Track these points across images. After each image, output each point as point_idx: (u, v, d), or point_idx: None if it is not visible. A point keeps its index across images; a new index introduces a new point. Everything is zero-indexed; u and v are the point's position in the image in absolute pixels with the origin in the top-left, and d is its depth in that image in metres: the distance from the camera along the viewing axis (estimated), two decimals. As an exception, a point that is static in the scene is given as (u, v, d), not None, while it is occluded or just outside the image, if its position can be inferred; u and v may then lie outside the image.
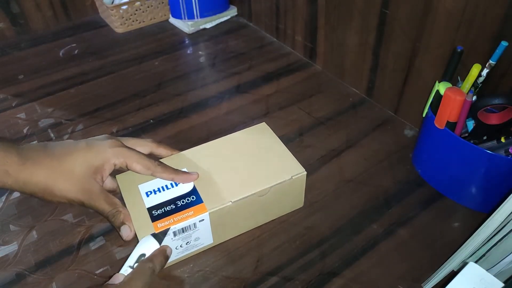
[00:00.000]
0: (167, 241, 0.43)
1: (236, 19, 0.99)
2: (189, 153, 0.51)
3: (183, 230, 0.44)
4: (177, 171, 0.47)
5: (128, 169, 0.46)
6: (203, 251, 0.49)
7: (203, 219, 0.44)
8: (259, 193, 0.46)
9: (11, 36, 0.94)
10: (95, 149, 0.43)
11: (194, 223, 0.44)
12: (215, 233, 0.47)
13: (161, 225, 0.43)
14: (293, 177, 0.47)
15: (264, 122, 0.55)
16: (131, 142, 0.47)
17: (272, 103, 0.73)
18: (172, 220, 0.43)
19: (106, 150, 0.43)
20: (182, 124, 0.69)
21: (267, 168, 0.48)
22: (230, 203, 0.45)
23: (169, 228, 0.43)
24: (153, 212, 0.44)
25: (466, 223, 0.52)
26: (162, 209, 0.44)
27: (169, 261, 0.46)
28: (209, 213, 0.44)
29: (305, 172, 0.48)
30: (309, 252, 0.49)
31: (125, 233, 0.43)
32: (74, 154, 0.42)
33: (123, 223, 0.43)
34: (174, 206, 0.45)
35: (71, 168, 0.41)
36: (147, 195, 0.46)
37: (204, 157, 0.50)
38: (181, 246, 0.46)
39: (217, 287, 0.46)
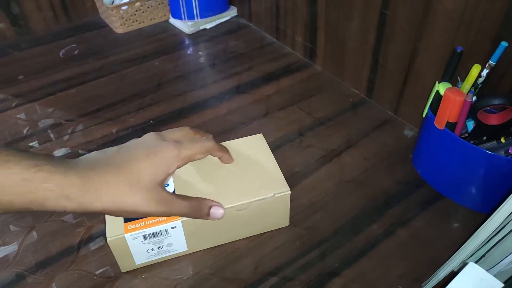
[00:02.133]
0: (137, 243, 0.44)
1: (236, 20, 0.99)
2: None
3: (154, 234, 0.44)
4: (225, 150, 0.48)
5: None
6: (202, 251, 0.49)
7: (175, 226, 0.44)
8: (237, 207, 0.45)
9: (12, 36, 0.94)
10: (158, 158, 0.39)
11: (165, 229, 0.44)
12: (189, 241, 0.47)
13: (131, 227, 0.43)
14: (276, 195, 0.46)
15: (261, 134, 0.53)
16: (175, 135, 0.44)
17: (272, 104, 0.73)
18: (143, 223, 0.43)
19: (168, 156, 0.40)
20: (182, 124, 0.68)
21: (251, 182, 0.47)
22: None
23: None
24: None
25: (466, 224, 0.52)
26: None
27: (140, 262, 0.47)
28: (181, 221, 0.44)
29: (289, 192, 0.46)
30: (309, 252, 0.49)
31: (217, 215, 0.43)
32: (138, 165, 0.38)
33: (209, 210, 0.43)
34: None
35: (137, 181, 0.38)
36: None
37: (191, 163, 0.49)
38: (152, 250, 0.46)
39: (217, 287, 0.46)
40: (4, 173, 0.31)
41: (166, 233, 0.44)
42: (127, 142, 0.41)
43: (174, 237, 0.45)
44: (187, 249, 0.48)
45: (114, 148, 0.39)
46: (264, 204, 0.46)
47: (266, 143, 0.52)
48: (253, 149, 0.51)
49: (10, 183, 0.31)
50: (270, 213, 0.48)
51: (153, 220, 0.43)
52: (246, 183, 0.47)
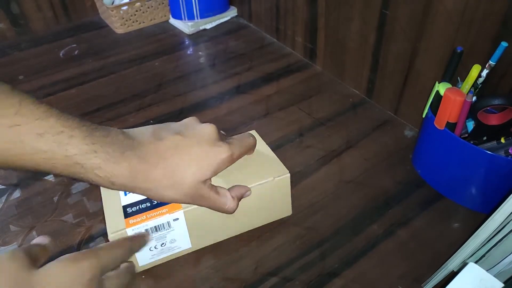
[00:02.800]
0: None
1: (236, 20, 0.99)
2: None
3: (156, 228, 0.42)
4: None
5: None
6: (202, 251, 0.49)
7: (178, 218, 0.43)
8: None
9: (12, 36, 0.94)
10: (211, 159, 0.39)
11: (168, 222, 0.43)
12: (192, 236, 0.46)
13: (133, 221, 0.42)
14: (276, 178, 0.46)
15: (254, 130, 0.52)
16: (220, 135, 0.43)
17: (272, 104, 0.73)
18: (145, 217, 0.42)
19: (222, 158, 0.40)
20: (182, 125, 0.69)
21: (249, 170, 0.47)
22: None
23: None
24: (127, 210, 0.43)
25: (466, 224, 0.52)
26: (137, 207, 0.43)
27: (143, 263, 0.45)
28: (183, 211, 0.42)
29: (289, 174, 0.46)
30: (309, 252, 0.49)
31: (230, 208, 0.43)
32: (190, 166, 0.39)
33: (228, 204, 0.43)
34: (149, 204, 0.44)
35: (183, 182, 0.39)
36: (125, 194, 0.45)
37: None
38: (155, 248, 0.44)
39: (217, 287, 0.46)
40: (61, 149, 0.33)
41: (169, 226, 0.43)
42: (181, 124, 0.42)
43: (177, 232, 0.44)
44: (191, 246, 0.47)
45: (170, 132, 0.40)
46: (266, 190, 0.46)
47: (260, 137, 0.52)
48: None
49: (63, 161, 0.34)
50: (272, 200, 0.48)
51: (154, 213, 0.42)
52: (245, 171, 0.46)
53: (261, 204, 0.47)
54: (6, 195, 0.57)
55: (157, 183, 0.38)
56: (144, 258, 0.45)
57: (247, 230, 0.50)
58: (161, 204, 0.43)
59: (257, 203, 0.47)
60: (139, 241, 0.39)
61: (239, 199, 0.44)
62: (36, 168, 0.34)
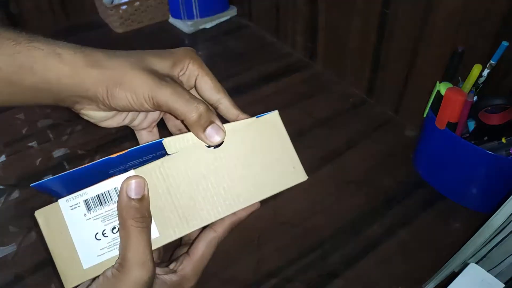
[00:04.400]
0: (79, 218, 0.29)
1: (236, 19, 0.99)
2: None
3: (99, 199, 0.29)
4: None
5: (195, 86, 0.34)
6: None
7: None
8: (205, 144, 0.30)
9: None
10: (167, 50, 0.33)
11: (115, 188, 0.29)
12: (157, 216, 0.30)
13: (67, 198, 0.29)
14: (258, 117, 0.32)
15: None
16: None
17: (272, 104, 0.72)
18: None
19: (179, 50, 0.33)
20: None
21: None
22: (166, 157, 0.30)
23: None
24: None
25: (467, 224, 0.52)
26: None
27: (89, 264, 0.29)
28: (134, 171, 0.29)
29: (276, 111, 0.33)
30: (309, 253, 0.49)
31: (214, 138, 0.30)
32: (142, 54, 0.32)
33: (210, 121, 0.30)
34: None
35: (141, 63, 0.31)
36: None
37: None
38: (104, 235, 0.29)
39: (217, 288, 0.46)
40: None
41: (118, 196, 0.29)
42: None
43: None
44: (158, 235, 0.30)
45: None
46: (247, 136, 0.31)
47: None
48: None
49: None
50: (264, 154, 0.32)
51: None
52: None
53: (248, 161, 0.31)
54: (4, 195, 0.57)
55: (112, 72, 0.30)
56: (89, 255, 0.29)
57: (244, 206, 0.31)
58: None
59: (241, 159, 0.31)
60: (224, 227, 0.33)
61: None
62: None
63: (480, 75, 0.49)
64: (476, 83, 0.50)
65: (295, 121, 0.69)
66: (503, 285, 0.34)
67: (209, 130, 0.30)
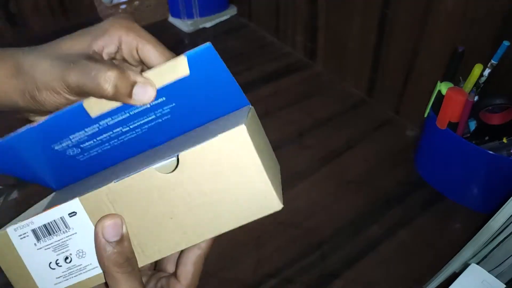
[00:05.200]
0: (30, 248, 0.27)
1: (235, 19, 0.99)
2: None
3: (47, 229, 0.27)
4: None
5: (138, 55, 0.31)
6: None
7: (75, 212, 0.27)
8: (162, 166, 0.26)
9: (10, 36, 0.93)
10: (93, 26, 0.30)
11: (61, 218, 0.27)
12: None
13: (16, 224, 0.27)
14: (218, 136, 0.25)
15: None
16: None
17: (272, 104, 0.72)
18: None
19: (105, 22, 0.30)
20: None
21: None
22: (113, 183, 0.26)
23: None
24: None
25: (467, 224, 0.52)
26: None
27: None
28: (79, 199, 0.27)
29: (243, 126, 0.25)
30: (309, 253, 0.49)
31: (144, 96, 0.26)
32: (58, 42, 0.30)
33: (132, 88, 0.26)
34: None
35: (52, 53, 0.29)
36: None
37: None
38: (58, 264, 0.28)
39: (217, 289, 0.46)
40: None
41: (66, 227, 0.27)
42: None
43: (83, 237, 0.27)
44: None
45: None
46: (204, 160, 0.26)
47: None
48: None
49: None
50: (227, 181, 0.26)
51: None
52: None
53: (207, 186, 0.27)
54: (3, 196, 0.57)
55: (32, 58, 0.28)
56: (46, 284, 0.28)
57: (204, 239, 0.28)
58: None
59: (199, 185, 0.27)
60: None
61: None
62: None
63: (481, 75, 0.49)
64: (477, 83, 0.49)
65: (295, 121, 0.68)
66: (504, 286, 0.34)
67: (135, 94, 0.26)
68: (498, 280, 0.34)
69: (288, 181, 0.47)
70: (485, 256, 0.41)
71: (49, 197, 0.32)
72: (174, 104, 0.28)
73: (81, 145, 0.29)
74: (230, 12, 0.99)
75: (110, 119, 0.28)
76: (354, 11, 0.67)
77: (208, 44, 0.25)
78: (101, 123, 0.28)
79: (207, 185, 0.26)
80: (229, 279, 0.46)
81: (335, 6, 0.71)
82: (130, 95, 0.25)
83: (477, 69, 0.48)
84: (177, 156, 0.25)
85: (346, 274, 0.47)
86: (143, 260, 0.28)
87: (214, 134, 0.25)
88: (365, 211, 0.54)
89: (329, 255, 0.49)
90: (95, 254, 0.27)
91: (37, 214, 0.27)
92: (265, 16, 0.90)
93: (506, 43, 0.46)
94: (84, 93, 0.26)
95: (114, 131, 0.29)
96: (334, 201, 0.55)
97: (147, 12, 0.96)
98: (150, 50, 0.30)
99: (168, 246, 0.28)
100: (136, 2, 0.93)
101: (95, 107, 0.27)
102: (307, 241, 0.50)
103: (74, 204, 0.27)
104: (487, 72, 0.48)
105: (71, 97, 0.27)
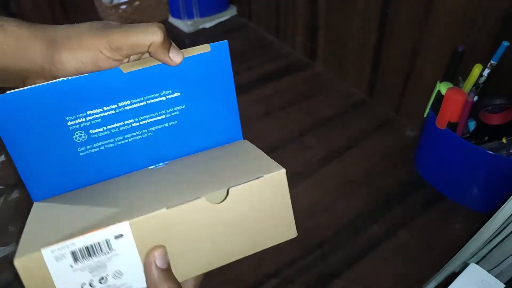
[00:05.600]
0: (65, 269, 0.27)
1: (236, 19, 0.99)
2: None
3: (88, 250, 0.27)
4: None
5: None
6: None
7: (122, 234, 0.28)
8: (211, 197, 0.29)
9: (10, 36, 0.93)
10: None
11: (106, 240, 0.27)
12: None
13: (54, 245, 0.26)
14: (265, 176, 0.30)
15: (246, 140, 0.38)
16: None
17: (272, 104, 0.72)
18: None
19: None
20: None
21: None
22: (165, 209, 0.28)
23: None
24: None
25: (467, 224, 0.52)
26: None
27: None
28: (129, 223, 0.28)
29: (284, 170, 0.31)
30: (309, 253, 0.49)
31: (177, 57, 0.31)
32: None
33: (170, 43, 0.30)
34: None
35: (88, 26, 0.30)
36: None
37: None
38: (91, 285, 0.28)
39: (217, 288, 0.46)
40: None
41: (109, 248, 0.28)
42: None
43: (124, 258, 0.28)
44: (145, 285, 0.29)
45: None
46: (250, 193, 0.31)
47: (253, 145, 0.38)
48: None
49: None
50: (263, 211, 0.32)
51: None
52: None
53: (246, 217, 0.32)
54: (4, 195, 0.57)
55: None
56: None
57: (236, 258, 0.33)
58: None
59: (241, 216, 0.31)
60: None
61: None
62: None
63: (481, 75, 0.49)
64: (476, 83, 0.50)
65: (295, 121, 0.68)
66: (504, 286, 0.34)
67: (172, 52, 0.31)
68: (497, 280, 0.34)
69: (288, 181, 0.47)
70: (485, 256, 0.41)
71: (38, 211, 0.31)
72: (184, 106, 0.33)
73: (91, 131, 0.31)
74: (230, 12, 0.99)
75: (129, 102, 0.31)
76: (354, 11, 0.67)
77: (224, 41, 0.33)
78: (119, 104, 0.31)
79: (245, 214, 0.31)
80: (229, 279, 0.47)
81: (335, 6, 0.71)
82: (169, 51, 0.30)
83: (476, 69, 0.49)
84: (228, 189, 0.29)
85: (346, 274, 0.47)
86: (178, 278, 0.30)
87: (254, 173, 0.30)
88: (365, 211, 0.54)
89: (329, 255, 0.49)
90: (132, 275, 0.29)
91: (81, 235, 0.27)
92: (265, 16, 0.90)
93: (505, 43, 0.46)
94: (131, 46, 0.29)
95: (126, 122, 0.31)
96: (334, 201, 0.55)
97: (147, 12, 0.96)
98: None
99: (202, 266, 0.31)
100: (137, 3, 0.93)
101: (128, 67, 0.30)
102: (307, 241, 0.50)
103: (123, 227, 0.28)
104: (486, 72, 0.48)
105: (105, 56, 0.29)
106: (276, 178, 0.31)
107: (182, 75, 0.32)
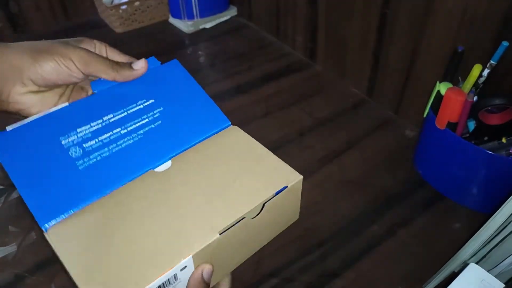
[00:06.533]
0: None
1: (236, 19, 0.99)
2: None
3: (159, 287, 0.30)
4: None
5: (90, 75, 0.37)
6: None
7: (186, 266, 0.31)
8: (251, 213, 0.33)
9: (10, 36, 0.93)
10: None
11: (174, 275, 0.30)
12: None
13: None
14: (290, 185, 0.36)
15: (236, 126, 0.41)
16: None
17: (272, 104, 0.72)
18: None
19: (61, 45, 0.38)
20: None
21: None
22: (218, 235, 0.31)
23: None
24: None
25: (467, 224, 0.52)
26: None
27: None
28: (192, 257, 0.30)
29: (301, 177, 0.37)
30: (309, 253, 0.49)
31: (141, 64, 0.37)
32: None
33: (129, 65, 0.37)
34: None
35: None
36: None
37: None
38: None
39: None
40: None
41: (175, 279, 0.31)
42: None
43: (184, 283, 0.32)
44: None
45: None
46: (278, 199, 0.36)
47: (245, 132, 0.41)
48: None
49: None
50: (283, 209, 0.38)
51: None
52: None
53: (272, 217, 0.37)
54: (5, 195, 0.57)
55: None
56: None
57: (256, 250, 0.39)
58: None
59: (268, 217, 0.36)
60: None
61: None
62: None
63: (480, 75, 0.49)
64: (476, 83, 0.50)
65: (295, 121, 0.68)
66: (503, 285, 0.34)
67: (134, 65, 0.37)
68: (497, 280, 0.34)
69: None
70: (484, 256, 0.41)
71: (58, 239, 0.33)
72: (162, 108, 0.36)
73: (84, 145, 0.33)
74: (230, 12, 0.99)
75: (112, 115, 0.35)
76: (354, 11, 0.67)
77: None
78: (104, 118, 0.34)
79: (271, 217, 0.37)
80: (230, 278, 0.47)
81: (335, 6, 0.71)
82: (131, 70, 0.36)
83: (476, 69, 0.49)
84: (263, 204, 0.34)
85: (346, 273, 0.47)
86: (218, 275, 0.35)
87: (277, 181, 0.36)
88: (365, 211, 0.54)
89: (329, 255, 0.49)
90: None
91: (155, 277, 0.29)
92: (265, 16, 0.90)
93: (505, 43, 0.46)
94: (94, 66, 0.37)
95: (114, 131, 0.34)
96: (334, 201, 0.55)
97: (147, 12, 0.96)
98: (114, 51, 0.40)
99: (236, 263, 0.37)
100: (137, 3, 0.93)
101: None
102: (307, 241, 0.50)
103: (188, 260, 0.31)
104: (486, 72, 0.49)
105: (75, 72, 0.36)
106: (296, 186, 0.38)
107: (149, 86, 0.37)
